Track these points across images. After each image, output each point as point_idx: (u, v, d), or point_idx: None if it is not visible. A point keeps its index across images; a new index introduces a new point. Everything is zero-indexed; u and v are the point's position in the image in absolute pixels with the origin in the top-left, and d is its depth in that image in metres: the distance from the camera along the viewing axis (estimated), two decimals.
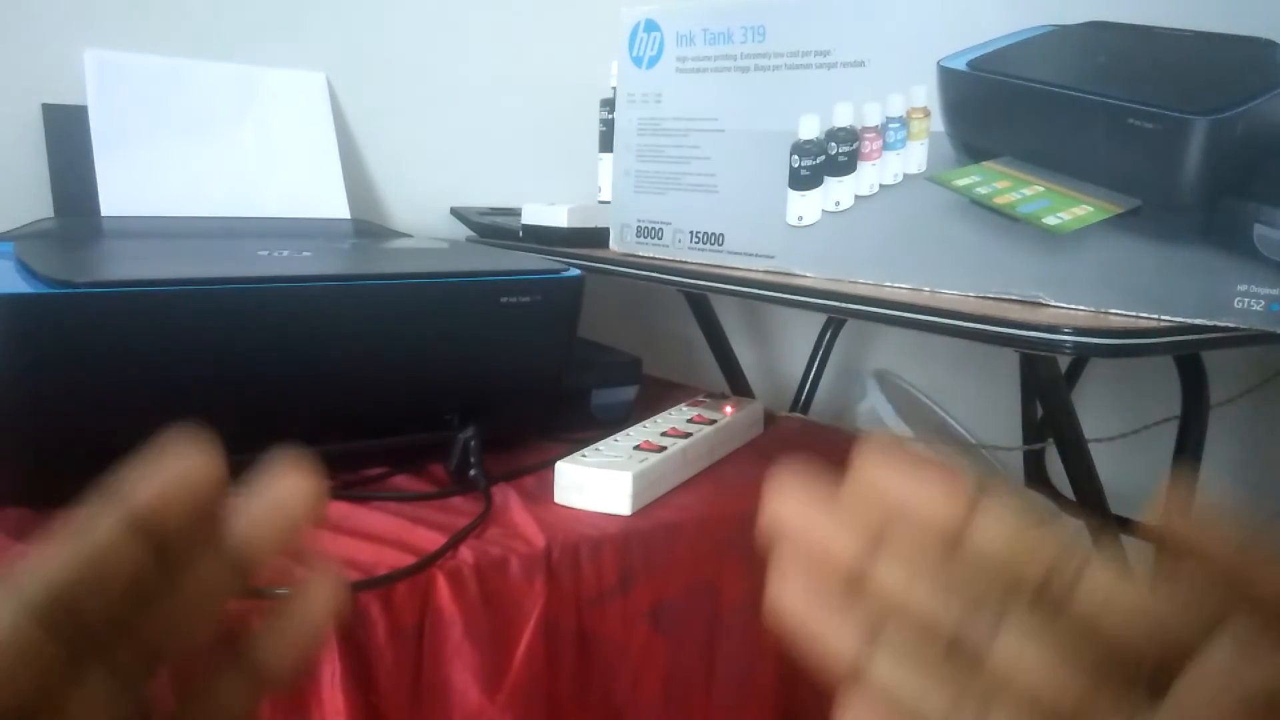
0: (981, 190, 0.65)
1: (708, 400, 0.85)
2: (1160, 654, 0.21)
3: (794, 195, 0.74)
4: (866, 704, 0.23)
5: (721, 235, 0.79)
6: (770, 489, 0.24)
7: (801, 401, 1.20)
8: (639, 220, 0.84)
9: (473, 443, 0.67)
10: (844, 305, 0.67)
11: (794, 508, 0.24)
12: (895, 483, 0.24)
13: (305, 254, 0.74)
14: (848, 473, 0.24)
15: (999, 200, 0.64)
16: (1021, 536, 0.22)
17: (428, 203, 1.13)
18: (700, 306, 1.22)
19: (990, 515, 0.23)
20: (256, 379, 0.62)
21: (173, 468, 0.23)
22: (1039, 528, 0.22)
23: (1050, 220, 0.62)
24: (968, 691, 0.22)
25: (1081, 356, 1.25)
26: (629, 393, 0.87)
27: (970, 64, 0.64)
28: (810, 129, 0.72)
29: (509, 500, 0.66)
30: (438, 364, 0.69)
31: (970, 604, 0.22)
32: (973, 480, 0.23)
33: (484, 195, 1.16)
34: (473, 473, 0.66)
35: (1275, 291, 0.54)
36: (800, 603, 0.24)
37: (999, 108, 0.64)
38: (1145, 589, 0.21)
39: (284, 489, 0.25)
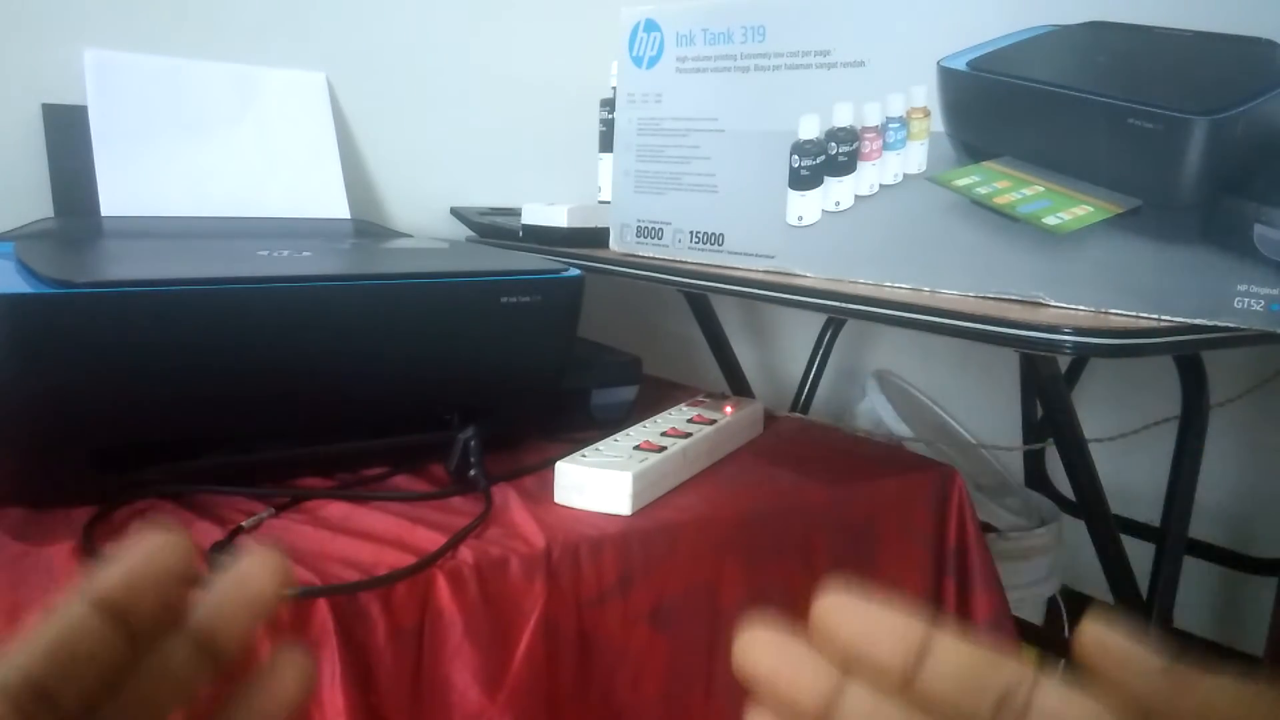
0: (981, 190, 0.65)
1: (708, 400, 0.85)
2: None
3: (794, 195, 0.74)
4: None
5: (721, 235, 0.79)
6: (740, 637, 0.27)
7: (801, 401, 1.20)
8: (639, 220, 0.84)
9: (473, 443, 0.67)
10: (844, 305, 0.67)
11: (763, 652, 0.27)
12: (854, 624, 0.25)
13: (305, 254, 0.74)
14: (811, 615, 0.26)
15: (999, 200, 0.64)
16: (974, 668, 0.24)
17: (428, 203, 1.13)
18: (700, 306, 1.22)
19: (943, 650, 0.24)
20: (256, 379, 0.62)
21: (143, 553, 0.24)
22: (990, 658, 0.24)
23: (1050, 220, 0.62)
24: None
25: (1081, 356, 1.25)
26: (629, 393, 0.87)
27: (970, 64, 0.64)
28: (810, 129, 0.72)
29: (509, 500, 0.66)
30: (438, 364, 0.69)
31: None
32: (924, 617, 0.25)
33: (484, 195, 1.16)
34: (473, 473, 0.66)
35: (1275, 291, 0.54)
36: None
37: (999, 108, 0.64)
38: (1092, 710, 0.23)
39: (250, 572, 0.26)
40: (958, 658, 0.24)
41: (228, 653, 0.25)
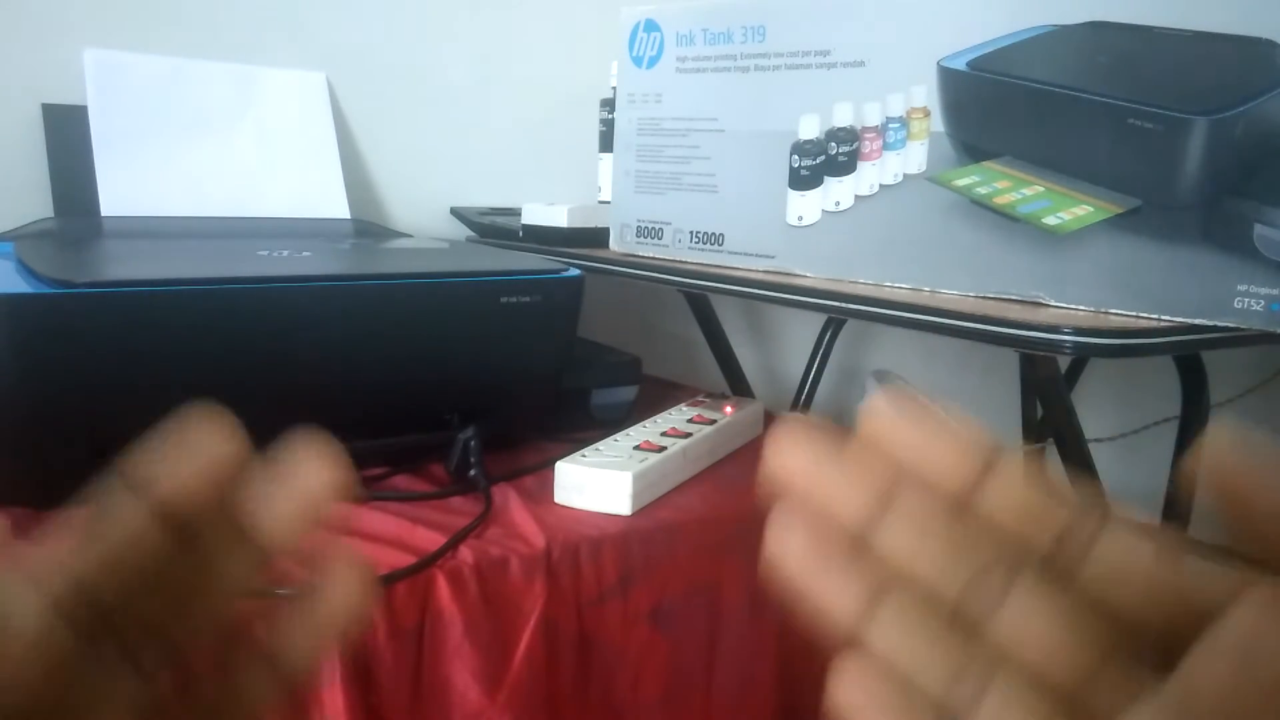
0: (981, 190, 0.65)
1: (708, 400, 0.85)
2: (1175, 626, 0.20)
3: (794, 195, 0.74)
4: (863, 671, 0.22)
5: (721, 235, 0.79)
6: (774, 438, 0.23)
7: (801, 401, 1.20)
8: (639, 220, 0.84)
9: (473, 443, 0.67)
10: (844, 305, 0.67)
11: (799, 458, 0.23)
12: (907, 437, 0.22)
13: (305, 254, 0.74)
14: (856, 424, 0.23)
15: (999, 200, 0.64)
16: (1035, 499, 0.21)
17: (428, 203, 1.13)
18: (700, 306, 1.22)
19: (1004, 477, 0.22)
20: (256, 379, 0.62)
21: (196, 450, 0.23)
22: (1053, 492, 0.21)
23: (1050, 220, 0.62)
24: (970, 661, 0.21)
25: (1081, 356, 1.25)
26: (629, 393, 0.87)
27: (970, 64, 0.64)
28: (810, 129, 0.72)
29: (509, 500, 0.65)
30: (438, 364, 0.69)
31: (978, 569, 0.21)
32: (987, 440, 0.22)
33: (484, 195, 1.16)
34: (473, 473, 0.66)
35: (1275, 291, 0.54)
36: (800, 560, 0.23)
37: (999, 108, 0.64)
38: (1163, 556, 0.20)
39: (309, 473, 0.24)
40: (1020, 485, 0.22)
41: (281, 555, 0.23)
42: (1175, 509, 0.95)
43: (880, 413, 0.23)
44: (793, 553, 0.23)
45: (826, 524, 0.23)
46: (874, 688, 0.22)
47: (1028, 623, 0.21)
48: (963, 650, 0.21)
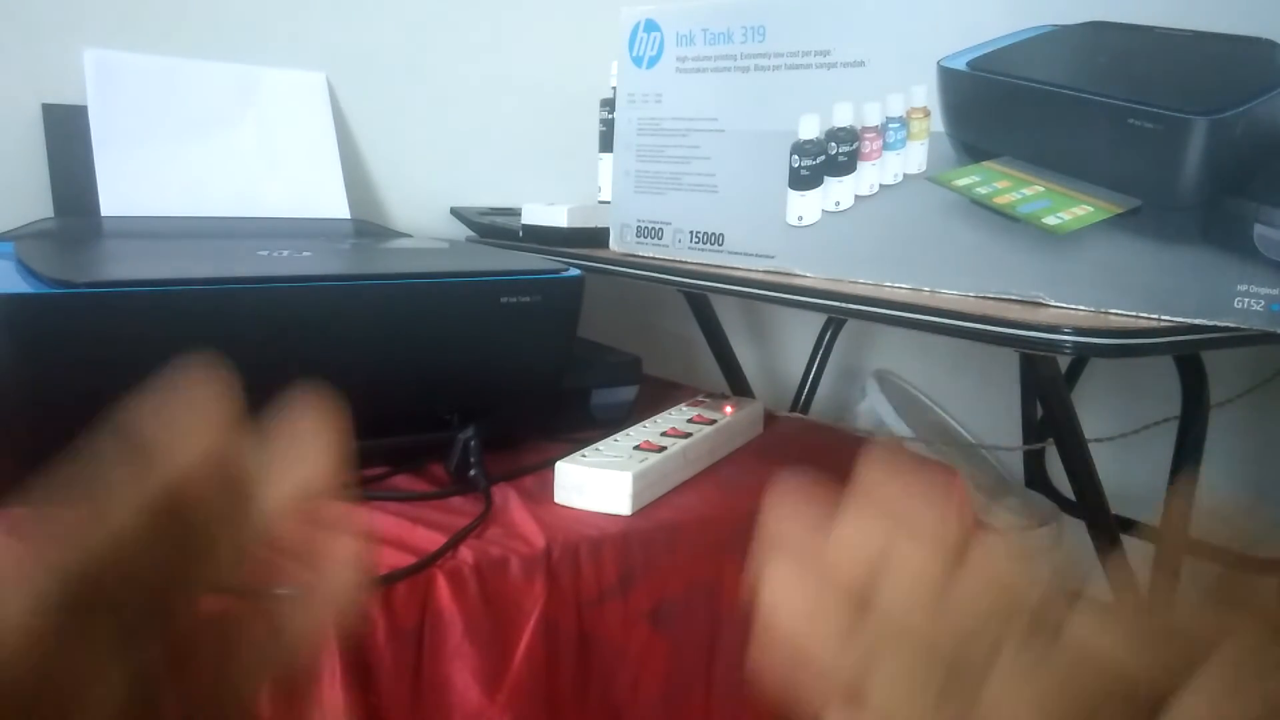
0: (981, 190, 0.65)
1: (708, 400, 0.85)
2: (1156, 682, 0.21)
3: (794, 195, 0.74)
4: None
5: (721, 235, 0.79)
6: (769, 505, 0.24)
7: (801, 401, 1.20)
8: (639, 220, 0.84)
9: (473, 443, 0.67)
10: (844, 305, 0.67)
11: (794, 526, 0.24)
12: (897, 503, 0.24)
13: (305, 254, 0.74)
14: (849, 488, 0.24)
15: (999, 200, 0.64)
16: (1016, 564, 0.23)
17: (428, 203, 1.13)
18: (700, 306, 1.22)
19: (987, 543, 0.23)
20: (256, 379, 0.62)
21: (197, 420, 0.23)
22: (1034, 556, 0.23)
23: (1050, 220, 0.62)
24: (965, 718, 0.22)
25: (1081, 356, 1.25)
26: (629, 393, 0.87)
27: (970, 64, 0.64)
28: (810, 129, 0.72)
29: (509, 500, 0.65)
30: (438, 364, 0.69)
31: (969, 630, 0.22)
32: (970, 501, 0.24)
33: (484, 195, 1.16)
34: (473, 473, 0.66)
35: (1275, 291, 0.54)
36: (797, 622, 0.24)
37: (999, 108, 0.64)
38: (1139, 616, 0.22)
39: (308, 447, 0.25)
40: (1000, 554, 0.23)
41: (278, 529, 0.23)
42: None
43: (871, 475, 0.24)
44: (789, 614, 0.24)
45: (823, 586, 0.24)
46: None
47: (1018, 681, 0.22)
48: (959, 706, 0.22)
